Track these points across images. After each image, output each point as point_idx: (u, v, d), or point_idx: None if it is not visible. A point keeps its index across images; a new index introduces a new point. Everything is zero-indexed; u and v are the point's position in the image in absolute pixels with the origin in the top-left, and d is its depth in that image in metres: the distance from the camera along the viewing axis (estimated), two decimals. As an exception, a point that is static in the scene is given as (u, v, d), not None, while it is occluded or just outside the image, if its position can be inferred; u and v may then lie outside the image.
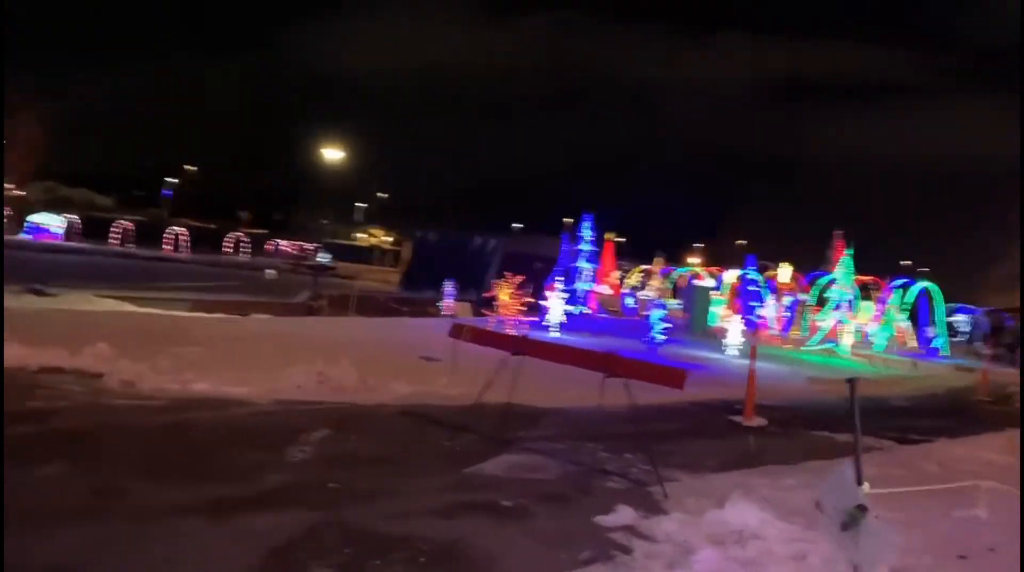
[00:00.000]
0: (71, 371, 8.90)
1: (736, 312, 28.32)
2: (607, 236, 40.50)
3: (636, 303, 34.82)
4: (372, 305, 25.89)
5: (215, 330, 13.78)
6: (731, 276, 36.45)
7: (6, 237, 35.24)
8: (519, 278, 19.60)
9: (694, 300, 27.28)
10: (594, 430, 8.70)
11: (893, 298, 32.18)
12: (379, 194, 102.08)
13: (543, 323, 20.43)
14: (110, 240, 54.78)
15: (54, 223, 51.65)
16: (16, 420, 6.52)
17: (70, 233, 52.82)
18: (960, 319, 42.64)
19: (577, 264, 28.70)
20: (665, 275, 43.94)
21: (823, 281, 30.81)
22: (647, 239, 69.82)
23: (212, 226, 72.87)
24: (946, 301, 33.70)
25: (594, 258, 29.96)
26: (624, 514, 5.76)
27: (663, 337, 18.66)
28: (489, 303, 21.00)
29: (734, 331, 20.48)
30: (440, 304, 22.72)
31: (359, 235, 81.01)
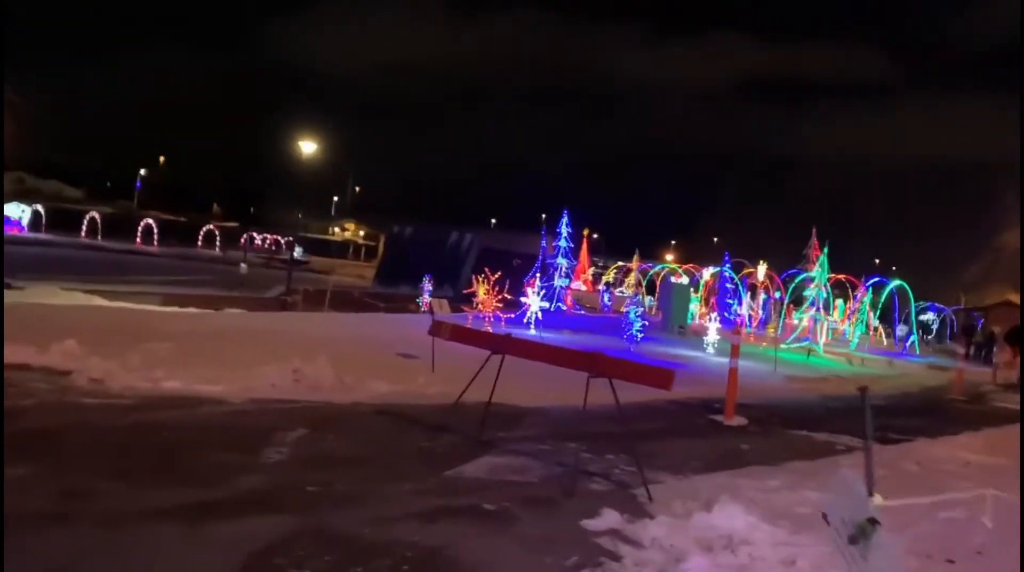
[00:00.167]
0: (38, 368, 8.62)
1: (712, 310, 28.43)
2: (584, 232, 40.49)
3: (611, 300, 34.82)
4: (347, 300, 25.66)
5: (187, 325, 13.51)
6: (707, 274, 36.63)
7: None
8: (496, 274, 19.46)
9: (671, 298, 27.27)
10: (576, 430, 8.58)
11: (867, 297, 32.49)
12: (355, 188, 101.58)
13: (523, 320, 20.30)
14: (81, 233, 53.86)
15: (16, 213, 50.72)
16: (-21, 420, 6.27)
17: (35, 224, 51.92)
18: (929, 318, 43.18)
19: (554, 260, 28.59)
20: (642, 272, 44.04)
21: (799, 279, 31.01)
22: (621, 236, 70.16)
23: (182, 219, 72.02)
24: (916, 300, 34.10)
25: (571, 254, 29.88)
26: (609, 518, 5.65)
27: (641, 335, 18.61)
28: (467, 299, 20.83)
29: (712, 329, 20.48)
30: (419, 300, 22.52)
31: (334, 230, 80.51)
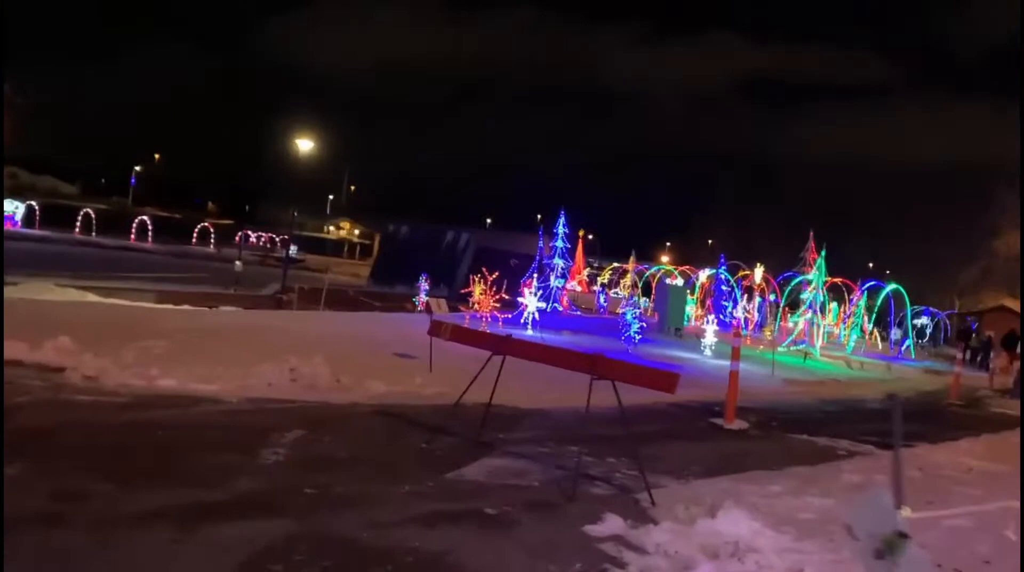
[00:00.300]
0: (31, 365, 8.50)
1: (708, 312, 28.36)
2: (579, 233, 40.44)
3: (607, 301, 34.74)
4: (343, 299, 25.53)
5: (182, 323, 13.37)
6: (703, 276, 36.58)
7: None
8: (493, 274, 19.36)
9: (667, 300, 27.18)
10: (576, 432, 8.46)
11: (862, 300, 32.47)
12: (350, 186, 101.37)
13: (520, 321, 20.20)
14: (76, 229, 53.55)
15: (10, 209, 50.41)
16: (-30, 418, 6.14)
17: (29, 220, 51.63)
18: (923, 322, 43.18)
19: (551, 260, 28.52)
20: (638, 274, 43.99)
21: (795, 282, 30.97)
22: (616, 236, 70.10)
23: (177, 216, 71.68)
24: (911, 304, 34.09)
25: (567, 255, 29.81)
26: (612, 523, 5.55)
27: (639, 336, 18.52)
28: (463, 299, 20.71)
29: (710, 331, 20.40)
30: (416, 299, 22.39)
31: (329, 228, 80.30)
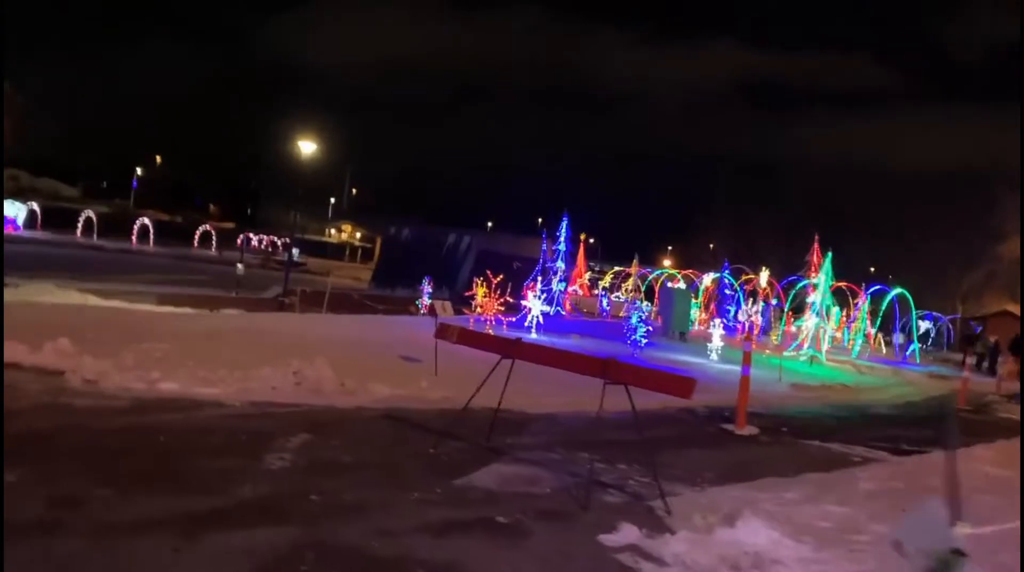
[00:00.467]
0: (30, 368, 8.34)
1: (713, 316, 28.18)
2: (581, 237, 40.24)
3: (609, 305, 34.55)
4: (345, 302, 25.33)
5: (183, 325, 13.21)
6: (707, 280, 36.39)
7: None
8: (497, 277, 19.20)
9: (671, 303, 26.99)
10: (586, 438, 8.28)
11: (866, 304, 32.26)
12: (351, 189, 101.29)
13: (524, 324, 20.03)
14: (77, 232, 53.41)
15: (11, 212, 50.26)
16: (-34, 421, 5.98)
17: (30, 222, 51.50)
18: (927, 326, 42.95)
19: (554, 263, 28.32)
20: (641, 277, 43.82)
21: (799, 286, 30.78)
22: (617, 239, 69.92)
23: (178, 219, 71.56)
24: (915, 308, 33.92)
25: (569, 258, 29.62)
26: (628, 532, 5.37)
27: (645, 340, 18.34)
28: (465, 301, 20.52)
29: (716, 335, 20.22)
30: (418, 302, 22.22)
31: (331, 231, 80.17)
